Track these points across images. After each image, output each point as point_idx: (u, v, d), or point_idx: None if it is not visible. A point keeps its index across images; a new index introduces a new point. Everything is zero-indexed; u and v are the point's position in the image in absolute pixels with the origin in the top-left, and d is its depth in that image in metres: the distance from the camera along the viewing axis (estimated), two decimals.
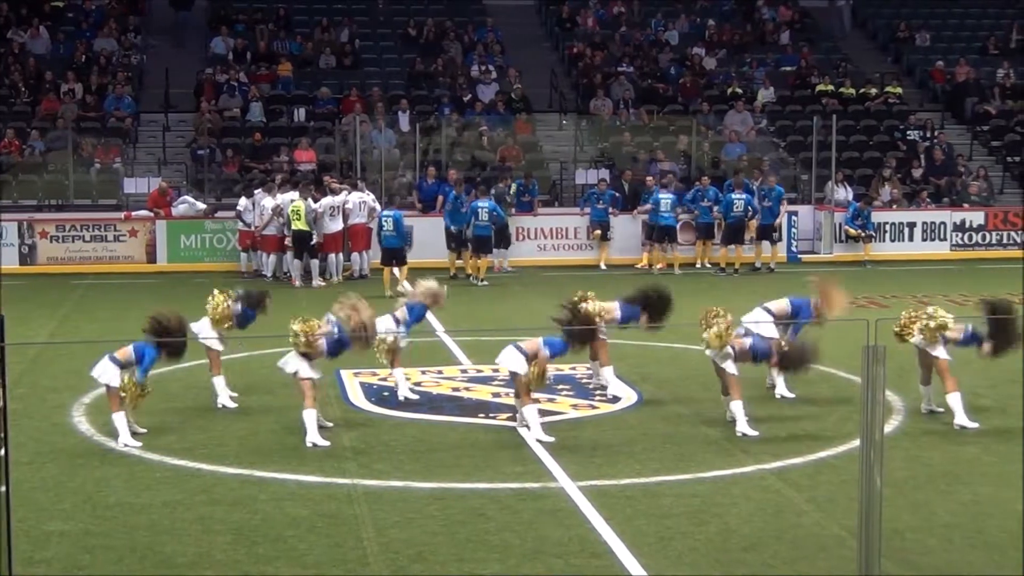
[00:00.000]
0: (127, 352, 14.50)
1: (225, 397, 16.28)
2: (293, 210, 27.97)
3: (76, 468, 13.61)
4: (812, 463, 13.78)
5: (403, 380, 16.75)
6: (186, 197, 31.15)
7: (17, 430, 14.48)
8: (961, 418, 15.09)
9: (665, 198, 30.61)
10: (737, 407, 14.82)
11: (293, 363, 14.61)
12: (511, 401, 16.29)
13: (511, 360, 14.68)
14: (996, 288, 25.96)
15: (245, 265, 29.42)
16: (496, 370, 17.98)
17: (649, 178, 31.94)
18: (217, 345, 16.21)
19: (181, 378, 17.70)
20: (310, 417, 14.50)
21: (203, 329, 16.13)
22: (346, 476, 13.28)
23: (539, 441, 14.39)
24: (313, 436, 14.38)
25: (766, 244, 30.59)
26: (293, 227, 27.99)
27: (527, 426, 14.72)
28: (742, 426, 14.75)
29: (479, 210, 28.58)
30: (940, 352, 15.15)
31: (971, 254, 32.47)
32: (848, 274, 29.32)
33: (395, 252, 26.67)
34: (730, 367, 14.77)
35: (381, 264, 26.92)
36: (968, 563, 10.84)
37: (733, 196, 30.39)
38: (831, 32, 43.75)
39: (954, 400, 15.15)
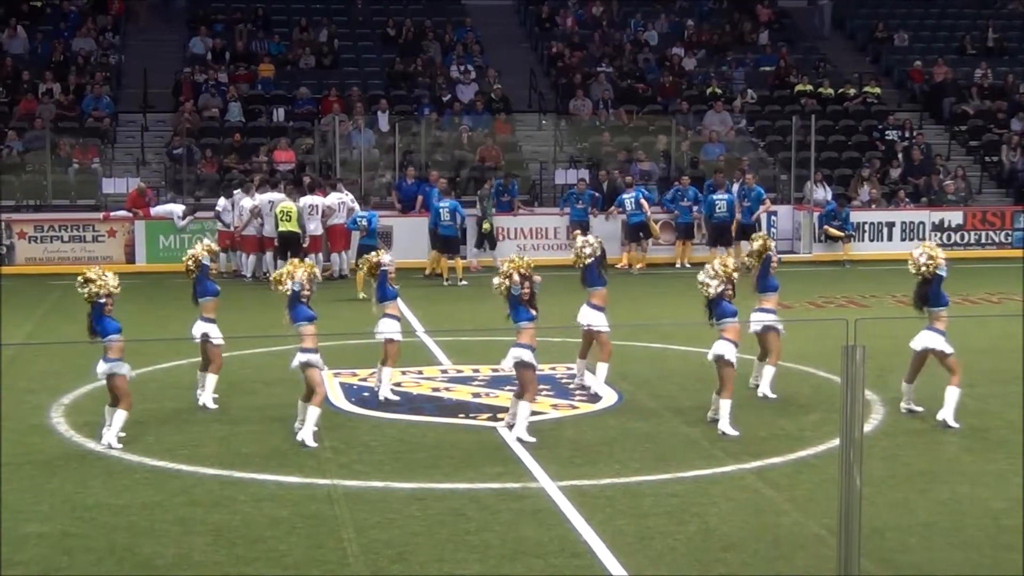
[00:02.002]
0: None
1: (209, 397, 16.23)
2: (282, 211, 27.86)
3: (55, 469, 13.56)
4: (792, 462, 13.80)
5: (387, 380, 16.69)
6: (173, 208, 30.86)
7: None
8: (949, 413, 15.13)
9: (628, 197, 30.66)
10: (725, 406, 14.83)
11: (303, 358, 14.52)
12: (491, 401, 16.33)
13: (521, 354, 14.66)
14: (975, 287, 26.12)
15: (224, 265, 29.33)
16: (476, 370, 18.01)
17: (628, 178, 32.03)
18: (218, 342, 16.19)
19: (159, 378, 17.68)
20: (314, 415, 14.46)
21: (210, 329, 16.14)
22: (326, 477, 13.26)
23: (520, 440, 14.38)
24: (308, 434, 14.35)
25: (744, 243, 30.64)
26: (281, 228, 27.89)
27: (510, 425, 14.73)
28: (724, 425, 14.78)
29: (441, 210, 28.51)
30: (947, 347, 15.23)
31: (950, 254, 32.25)
32: (827, 274, 29.50)
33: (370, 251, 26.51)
34: (731, 352, 14.83)
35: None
36: (947, 561, 10.88)
37: (715, 197, 30.38)
38: (810, 32, 43.85)
39: (953, 394, 15.21)
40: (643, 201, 30.65)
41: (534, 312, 14.65)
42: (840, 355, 9.00)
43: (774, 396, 16.64)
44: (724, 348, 14.89)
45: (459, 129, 35.36)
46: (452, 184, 31.24)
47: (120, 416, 14.33)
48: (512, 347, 14.68)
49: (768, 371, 16.72)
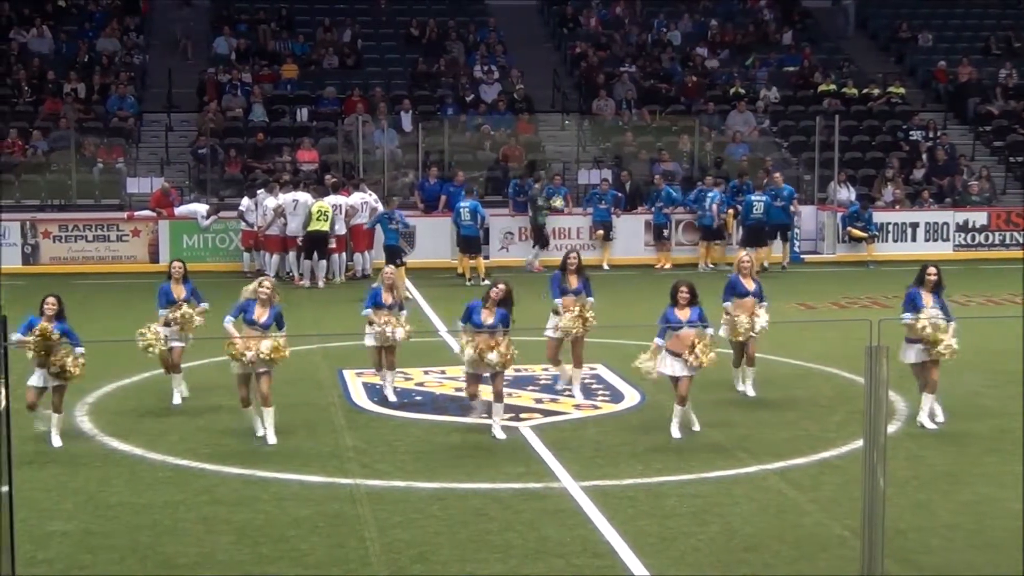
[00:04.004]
0: None
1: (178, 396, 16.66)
2: (319, 210, 27.84)
3: (78, 468, 13.62)
4: (815, 463, 13.79)
5: (391, 380, 16.80)
6: (197, 207, 30.88)
7: (19, 430, 14.50)
8: (926, 416, 15.24)
9: (711, 196, 30.54)
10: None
11: None
12: (514, 401, 16.35)
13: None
14: (999, 288, 26.02)
15: (248, 265, 29.42)
16: None
17: (657, 177, 31.95)
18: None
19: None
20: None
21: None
22: (348, 476, 13.29)
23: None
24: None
25: (774, 244, 30.75)
26: (311, 227, 27.85)
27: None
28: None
29: (462, 210, 28.50)
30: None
31: (974, 254, 32.44)
32: (851, 274, 29.41)
33: (391, 251, 26.51)
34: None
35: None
36: (969, 563, 10.85)
37: (752, 198, 30.20)
38: (833, 32, 43.71)
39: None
40: (715, 206, 30.49)
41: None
42: (864, 356, 8.98)
43: (753, 394, 16.85)
44: None
45: (482, 129, 35.37)
46: (475, 183, 31.29)
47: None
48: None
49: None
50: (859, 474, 9.67)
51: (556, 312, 16.79)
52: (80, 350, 14.39)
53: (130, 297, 25.34)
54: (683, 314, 14.80)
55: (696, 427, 14.99)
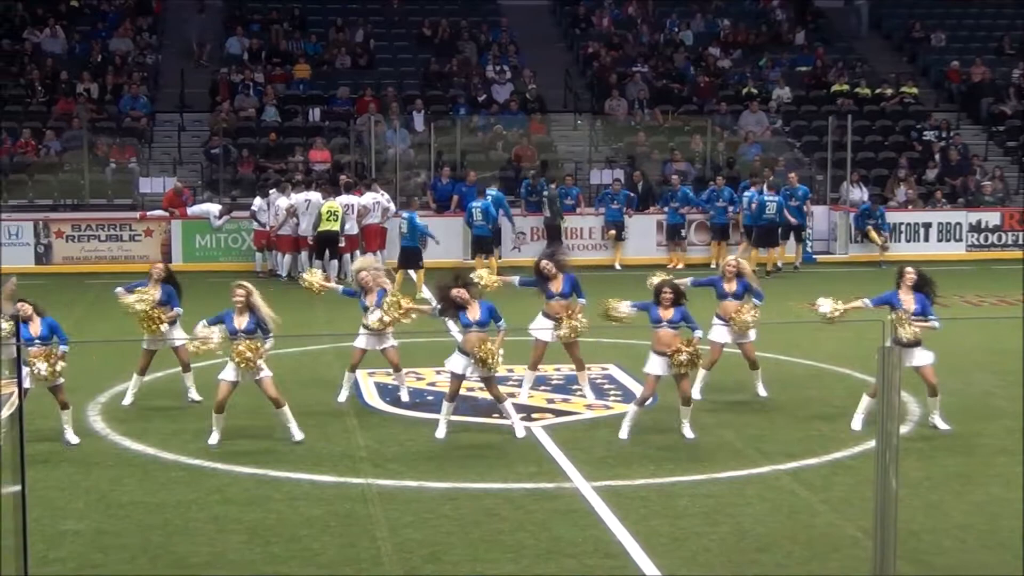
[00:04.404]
0: None
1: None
2: (329, 210, 27.86)
3: (90, 467, 13.64)
4: (827, 464, 13.77)
5: (345, 384, 16.86)
6: (210, 207, 30.91)
7: (32, 430, 14.53)
8: (938, 417, 15.22)
9: (748, 196, 30.52)
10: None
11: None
12: (526, 401, 16.33)
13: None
14: (1012, 288, 25.94)
15: (260, 265, 29.46)
16: (510, 370, 17.97)
17: (674, 177, 31.89)
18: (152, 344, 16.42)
19: (194, 378, 17.71)
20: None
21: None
22: (360, 476, 13.30)
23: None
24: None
25: (789, 243, 30.72)
26: (322, 227, 27.87)
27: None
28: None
29: (474, 210, 28.46)
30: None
31: (987, 254, 32.38)
32: (864, 274, 29.33)
33: (411, 254, 26.36)
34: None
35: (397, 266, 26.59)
36: (982, 564, 10.83)
37: (765, 198, 30.15)
38: (847, 32, 43.66)
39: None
40: (754, 206, 30.41)
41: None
42: (876, 356, 8.96)
43: (765, 394, 16.76)
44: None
45: (494, 129, 35.38)
46: (491, 183, 31.33)
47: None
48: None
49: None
50: (871, 475, 9.64)
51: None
52: (63, 348, 14.33)
53: None
54: (666, 314, 14.76)
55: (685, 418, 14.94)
